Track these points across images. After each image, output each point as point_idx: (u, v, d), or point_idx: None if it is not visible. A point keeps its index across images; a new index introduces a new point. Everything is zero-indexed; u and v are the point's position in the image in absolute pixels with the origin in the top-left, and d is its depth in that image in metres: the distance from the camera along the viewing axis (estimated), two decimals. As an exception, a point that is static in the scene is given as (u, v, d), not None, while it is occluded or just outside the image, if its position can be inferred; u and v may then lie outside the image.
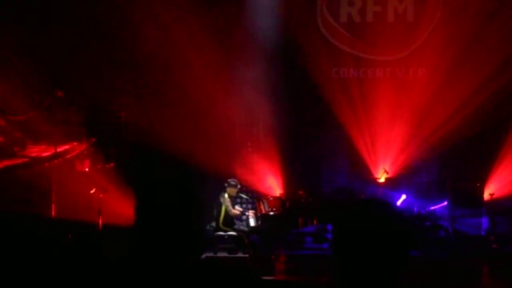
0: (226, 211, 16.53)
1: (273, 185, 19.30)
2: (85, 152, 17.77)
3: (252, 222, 16.96)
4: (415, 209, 18.28)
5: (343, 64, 19.77)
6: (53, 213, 16.79)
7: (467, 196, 18.32)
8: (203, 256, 16.23)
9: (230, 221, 16.64)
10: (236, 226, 16.69)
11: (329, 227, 17.86)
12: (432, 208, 18.57)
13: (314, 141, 19.77)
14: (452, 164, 19.23)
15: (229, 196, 16.63)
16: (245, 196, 17.60)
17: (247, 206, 18.27)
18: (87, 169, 17.58)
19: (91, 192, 16.52)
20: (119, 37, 18.53)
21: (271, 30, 19.25)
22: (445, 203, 18.52)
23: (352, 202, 16.95)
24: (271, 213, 17.40)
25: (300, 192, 18.61)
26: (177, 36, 18.60)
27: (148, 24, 18.75)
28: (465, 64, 18.87)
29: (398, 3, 19.50)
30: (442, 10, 19.36)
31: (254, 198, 18.52)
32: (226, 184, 16.73)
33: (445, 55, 19.09)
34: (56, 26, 18.02)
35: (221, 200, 16.51)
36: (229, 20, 19.04)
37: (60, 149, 17.23)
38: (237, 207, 17.15)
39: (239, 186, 16.93)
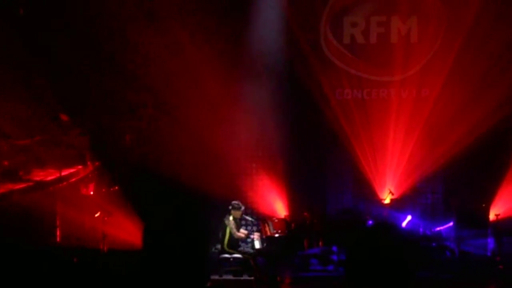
0: (231, 234, 16.48)
1: (278, 207, 19.25)
2: (90, 175, 17.80)
3: (257, 244, 16.93)
4: (421, 230, 18.25)
5: (347, 85, 19.78)
6: (58, 236, 16.80)
7: (473, 217, 18.29)
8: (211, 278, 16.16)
9: (235, 243, 16.59)
10: (241, 248, 16.64)
11: (335, 248, 17.82)
12: (438, 229, 18.52)
13: (319, 162, 19.75)
14: (458, 185, 19.16)
15: (234, 219, 16.57)
16: (250, 218, 17.56)
17: (252, 228, 18.25)
18: (91, 193, 17.61)
19: (96, 215, 16.52)
20: (125, 61, 18.59)
21: (275, 52, 19.27)
22: (451, 224, 18.48)
23: (359, 228, 17.01)
24: (276, 235, 17.40)
25: (305, 213, 18.60)
26: (183, 59, 18.67)
27: (154, 48, 18.82)
28: (470, 84, 18.89)
29: (401, 24, 19.52)
30: (445, 30, 19.37)
31: (259, 220, 18.48)
32: (230, 207, 16.68)
33: (449, 76, 19.08)
34: (61, 50, 18.06)
35: (226, 222, 16.47)
36: (233, 42, 19.07)
37: (65, 172, 17.29)
38: (242, 229, 17.10)
39: (243, 209, 16.88)
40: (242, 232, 16.86)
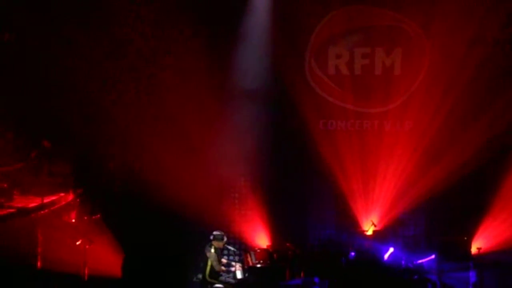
0: (212, 265, 16.39)
1: (260, 237, 19.22)
2: (72, 203, 17.75)
3: (239, 275, 16.86)
4: (403, 262, 18.19)
5: (331, 116, 19.83)
6: (39, 264, 16.72)
7: (455, 250, 18.30)
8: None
9: (216, 273, 16.48)
10: (223, 278, 16.54)
11: (316, 279, 17.76)
12: (420, 261, 18.48)
13: (302, 192, 19.72)
14: (440, 218, 19.22)
15: (215, 250, 16.45)
16: (232, 248, 17.49)
17: (234, 258, 18.16)
18: (73, 220, 17.55)
19: (77, 243, 16.47)
20: (106, 88, 18.62)
21: (260, 82, 19.32)
22: (433, 256, 18.45)
23: (341, 260, 17.02)
24: (258, 265, 17.35)
25: (288, 244, 18.54)
26: (167, 85, 18.76)
27: (136, 74, 18.89)
28: (454, 117, 18.99)
29: (385, 56, 19.62)
30: (429, 63, 19.47)
31: (241, 250, 18.45)
32: (211, 237, 16.56)
33: (432, 108, 19.16)
34: (43, 76, 18.06)
35: (207, 254, 16.34)
36: (217, 71, 19.12)
37: (47, 200, 17.24)
38: (223, 259, 17.01)
39: (225, 239, 16.80)
40: (223, 267, 16.74)
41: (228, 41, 19.36)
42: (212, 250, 16.36)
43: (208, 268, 16.33)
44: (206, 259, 16.39)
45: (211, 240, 16.50)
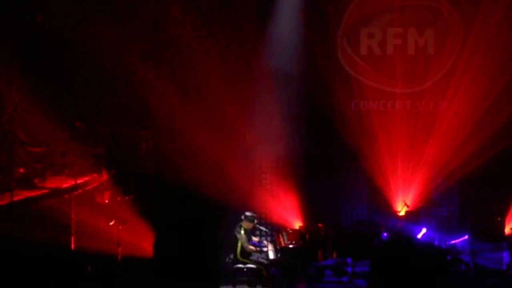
0: (243, 246, 16.42)
1: (292, 217, 19.22)
2: (105, 184, 17.85)
3: (271, 255, 16.86)
4: (436, 242, 18.14)
5: (363, 96, 19.76)
6: (72, 244, 16.84)
7: (488, 230, 18.23)
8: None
9: (248, 252, 16.52)
10: (255, 258, 16.55)
11: (349, 260, 17.76)
12: (453, 242, 18.43)
13: (334, 173, 19.70)
14: (473, 198, 19.12)
15: (245, 231, 16.47)
16: (264, 229, 17.52)
17: (266, 238, 18.18)
18: (106, 201, 17.64)
19: (111, 224, 16.56)
20: (140, 71, 18.66)
21: (291, 64, 19.25)
22: (466, 237, 18.40)
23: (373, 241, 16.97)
24: (291, 246, 17.34)
25: (320, 225, 18.56)
26: (199, 73, 18.77)
27: (169, 57, 18.90)
28: (488, 97, 18.86)
29: (418, 36, 19.50)
30: (462, 43, 19.33)
31: (273, 230, 18.47)
32: (242, 217, 16.60)
33: (466, 88, 19.05)
34: (77, 58, 18.14)
35: (237, 236, 16.36)
36: (248, 53, 19.09)
37: (80, 180, 17.35)
38: (255, 238, 17.01)
39: (255, 221, 16.83)
40: (254, 243, 16.78)
41: (260, 23, 19.31)
42: (242, 232, 16.38)
43: (239, 248, 16.37)
44: (236, 240, 16.42)
45: (241, 220, 16.54)
